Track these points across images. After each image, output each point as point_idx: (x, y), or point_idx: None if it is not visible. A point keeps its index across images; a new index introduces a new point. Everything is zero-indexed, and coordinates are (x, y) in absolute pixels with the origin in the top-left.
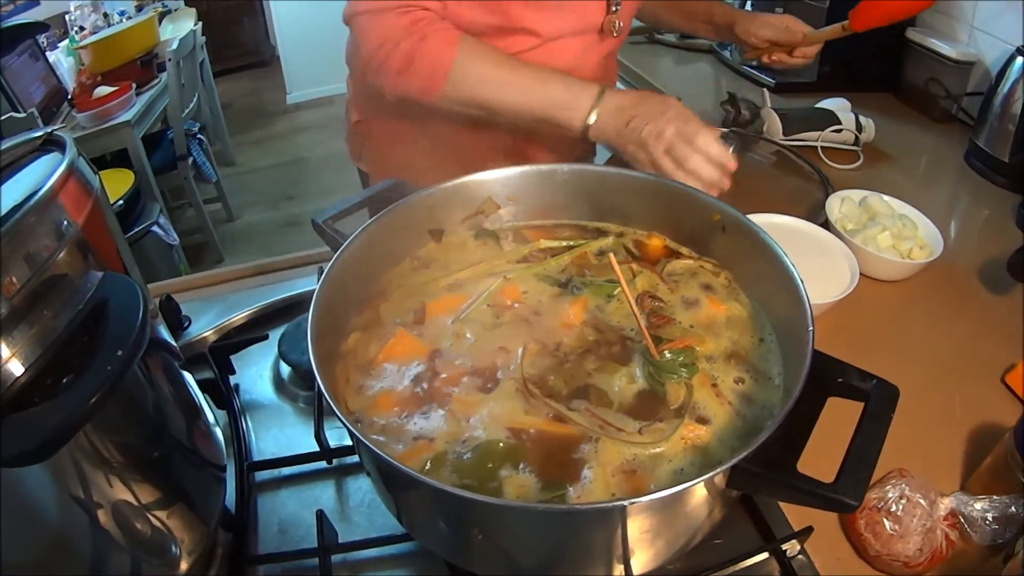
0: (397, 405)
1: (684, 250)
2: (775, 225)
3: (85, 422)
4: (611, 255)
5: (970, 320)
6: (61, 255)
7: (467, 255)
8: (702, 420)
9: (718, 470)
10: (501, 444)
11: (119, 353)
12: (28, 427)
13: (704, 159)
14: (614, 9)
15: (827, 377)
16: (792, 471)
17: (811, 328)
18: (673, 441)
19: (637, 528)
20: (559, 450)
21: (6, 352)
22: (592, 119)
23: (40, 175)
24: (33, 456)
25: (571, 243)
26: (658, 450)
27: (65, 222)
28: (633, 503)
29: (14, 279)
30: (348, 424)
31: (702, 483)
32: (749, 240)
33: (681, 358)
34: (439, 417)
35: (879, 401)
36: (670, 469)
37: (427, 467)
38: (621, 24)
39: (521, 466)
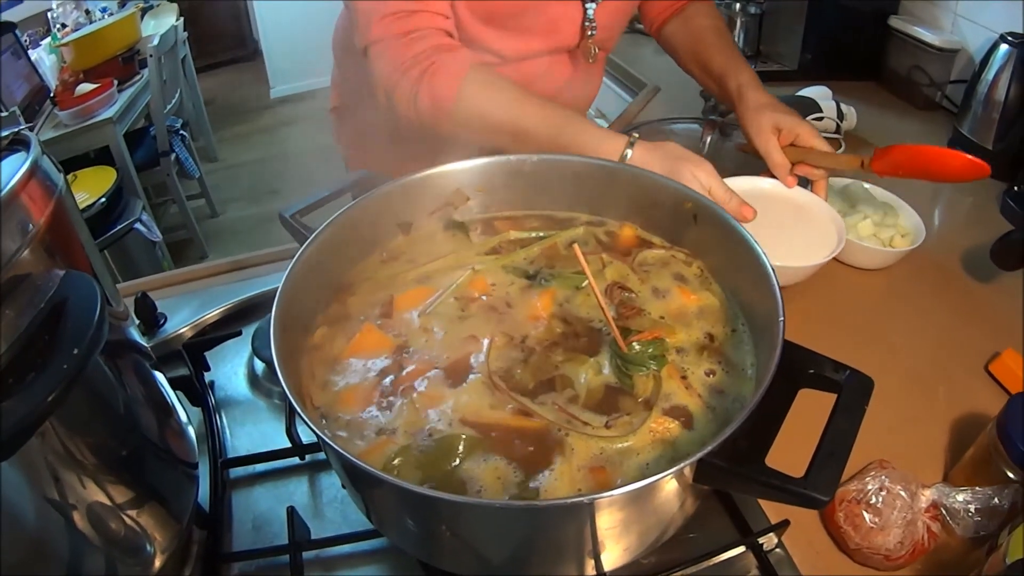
0: (362, 400)
1: (656, 240)
2: (758, 190)
3: (43, 420)
4: (575, 245)
5: (954, 308)
6: (23, 255)
7: (436, 247)
8: (671, 413)
9: (681, 465)
10: (464, 439)
11: (75, 351)
12: None
13: None
14: (589, 34)
15: (799, 368)
16: (760, 465)
17: (782, 319)
18: (641, 435)
19: (605, 523)
20: (524, 444)
21: None
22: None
23: (3, 177)
24: None
25: (541, 234)
26: (625, 444)
27: (27, 222)
28: (595, 499)
29: None
30: (308, 421)
31: (667, 478)
32: (721, 229)
33: (650, 350)
34: (403, 412)
35: (852, 393)
36: (637, 463)
37: (390, 462)
38: (597, 50)
39: (485, 461)
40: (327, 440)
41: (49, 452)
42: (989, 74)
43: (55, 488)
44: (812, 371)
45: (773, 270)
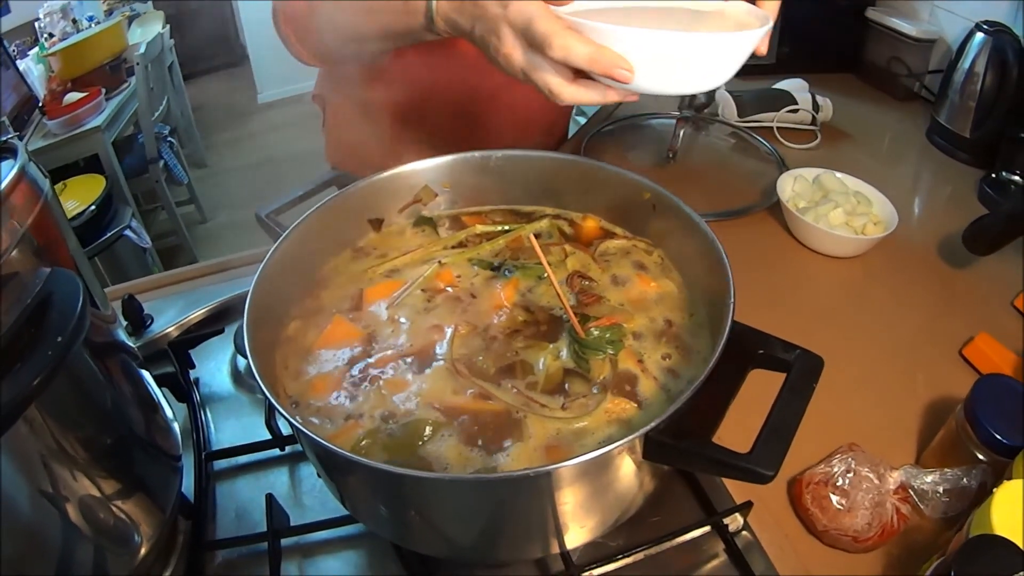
0: (331, 388)
1: (618, 230)
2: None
3: (29, 403)
4: (531, 236)
5: (930, 294)
6: (12, 254)
7: (405, 242)
8: (626, 395)
9: (624, 441)
10: (431, 422)
11: (59, 340)
12: None
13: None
14: None
15: (748, 348)
16: (706, 442)
17: (732, 300)
18: (596, 416)
19: (562, 499)
20: (484, 427)
21: None
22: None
23: None
24: None
25: (506, 227)
26: (581, 424)
27: (15, 223)
28: (541, 471)
29: None
30: (276, 403)
31: (613, 452)
32: (678, 218)
33: (608, 335)
34: (370, 397)
35: (801, 372)
36: (592, 442)
37: (358, 445)
38: None
39: (448, 443)
40: (296, 424)
41: (40, 446)
42: (965, 63)
43: (46, 480)
44: (762, 351)
45: (725, 254)
